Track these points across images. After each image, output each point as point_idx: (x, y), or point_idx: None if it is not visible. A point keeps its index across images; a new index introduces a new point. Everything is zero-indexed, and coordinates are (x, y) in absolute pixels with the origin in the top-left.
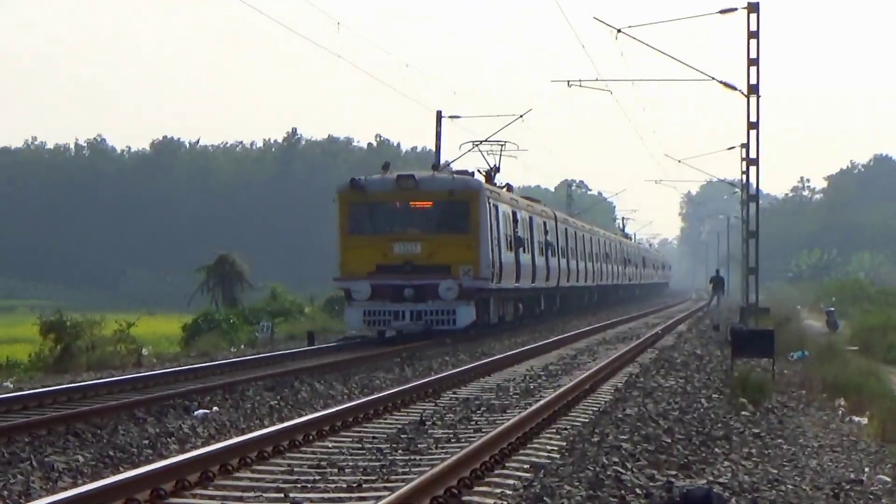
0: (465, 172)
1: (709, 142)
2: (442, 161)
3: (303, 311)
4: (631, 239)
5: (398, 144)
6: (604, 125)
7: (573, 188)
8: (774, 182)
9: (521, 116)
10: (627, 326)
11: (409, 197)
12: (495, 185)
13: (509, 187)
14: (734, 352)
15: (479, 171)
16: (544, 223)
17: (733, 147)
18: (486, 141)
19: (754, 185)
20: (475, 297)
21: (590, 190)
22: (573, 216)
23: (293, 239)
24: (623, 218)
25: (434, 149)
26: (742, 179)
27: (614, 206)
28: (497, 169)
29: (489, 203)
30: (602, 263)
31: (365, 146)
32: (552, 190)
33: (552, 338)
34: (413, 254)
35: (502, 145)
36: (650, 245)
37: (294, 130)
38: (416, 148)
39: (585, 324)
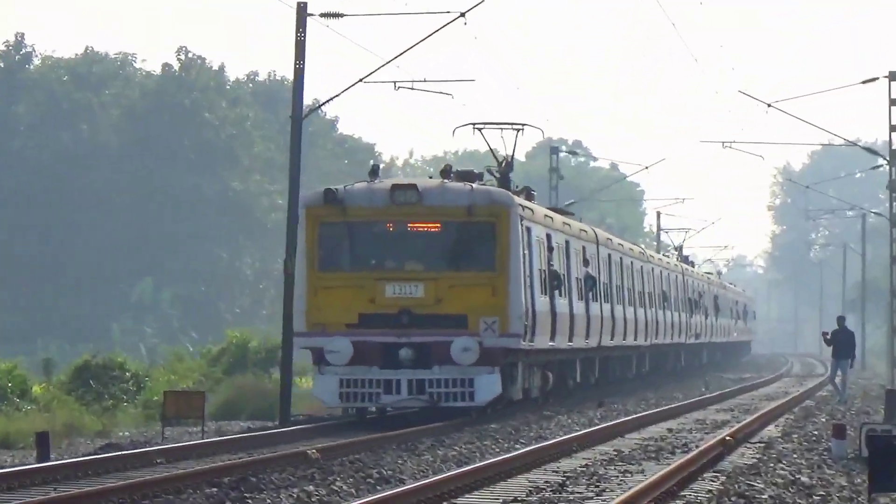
0: (469, 175)
1: (826, 71)
2: (307, 100)
3: (29, 391)
4: (693, 265)
5: (221, 68)
6: (622, 36)
7: (561, 154)
8: None
9: (464, 16)
10: (664, 427)
11: (409, 216)
12: (513, 189)
13: (529, 193)
14: (874, 481)
15: (489, 170)
16: (583, 248)
17: (874, 79)
18: (490, 124)
19: None
20: (501, 362)
21: (594, 159)
22: (566, 214)
23: (7, 255)
24: (658, 214)
25: (292, 78)
26: (891, 141)
27: (643, 193)
28: (511, 165)
29: (521, 225)
30: (658, 310)
31: (157, 69)
32: (521, 159)
33: (518, 449)
34: (413, 298)
35: (519, 129)
36: (718, 273)
37: (19, 39)
38: (255, 76)
39: (582, 421)
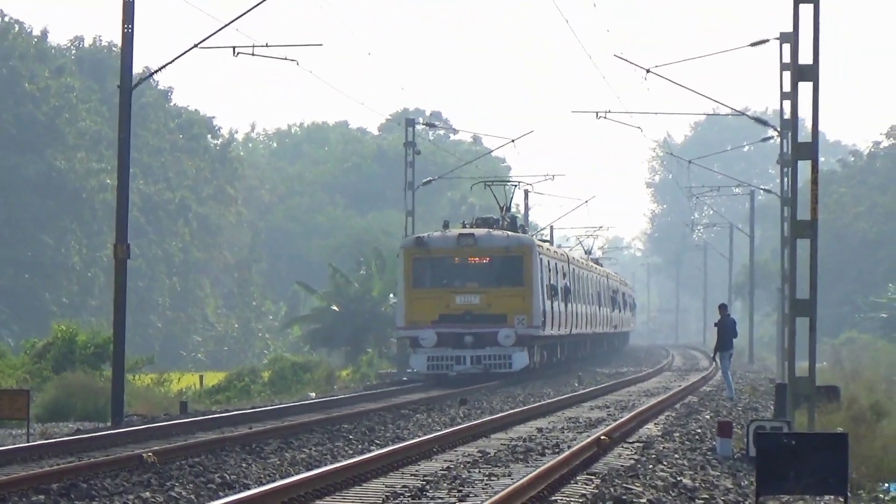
0: (490, 220)
1: (711, 34)
2: (137, 69)
3: None
4: (602, 264)
5: (43, 33)
6: None
7: (418, 127)
8: (855, 120)
9: None
10: (533, 426)
11: (469, 253)
12: (517, 225)
13: (523, 229)
14: (762, 482)
15: (503, 215)
16: (562, 267)
17: (764, 42)
18: (497, 181)
19: (808, 124)
20: (528, 344)
21: (455, 132)
22: (549, 243)
23: None
24: (525, 193)
25: (120, 43)
26: (783, 111)
27: (509, 170)
28: (508, 208)
29: (538, 257)
30: (596, 306)
31: None
32: (371, 131)
33: (374, 450)
34: (472, 304)
35: (516, 185)
36: (594, 256)
37: None
38: (80, 42)
39: (443, 420)
